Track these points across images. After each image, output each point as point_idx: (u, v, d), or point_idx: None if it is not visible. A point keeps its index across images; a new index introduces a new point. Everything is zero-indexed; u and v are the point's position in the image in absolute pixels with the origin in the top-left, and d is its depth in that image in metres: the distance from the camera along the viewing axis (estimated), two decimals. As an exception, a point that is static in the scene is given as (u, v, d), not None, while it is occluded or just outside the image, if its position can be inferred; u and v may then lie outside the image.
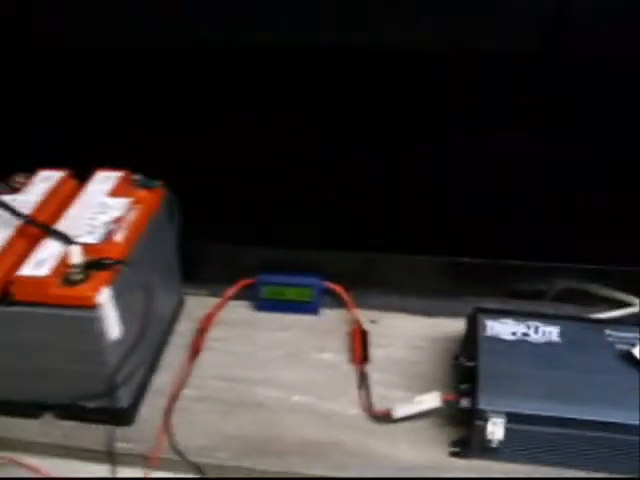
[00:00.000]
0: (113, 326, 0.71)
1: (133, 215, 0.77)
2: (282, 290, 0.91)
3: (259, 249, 0.93)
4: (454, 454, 0.74)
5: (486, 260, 0.89)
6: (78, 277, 0.69)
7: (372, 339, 0.87)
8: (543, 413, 0.69)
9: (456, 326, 0.84)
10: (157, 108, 0.87)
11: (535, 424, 0.69)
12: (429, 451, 0.75)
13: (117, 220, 0.75)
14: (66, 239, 0.72)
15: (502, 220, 0.88)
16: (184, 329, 0.90)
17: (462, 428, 0.75)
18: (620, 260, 0.84)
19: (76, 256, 0.69)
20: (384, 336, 0.88)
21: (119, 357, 0.73)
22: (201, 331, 0.88)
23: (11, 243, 0.73)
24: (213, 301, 0.93)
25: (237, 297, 0.94)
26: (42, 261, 0.70)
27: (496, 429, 0.69)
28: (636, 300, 0.84)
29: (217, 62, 0.83)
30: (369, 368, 0.84)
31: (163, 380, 0.83)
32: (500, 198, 0.88)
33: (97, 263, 0.70)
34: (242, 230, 0.92)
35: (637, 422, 0.68)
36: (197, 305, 0.93)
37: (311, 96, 0.83)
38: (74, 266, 0.69)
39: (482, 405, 0.69)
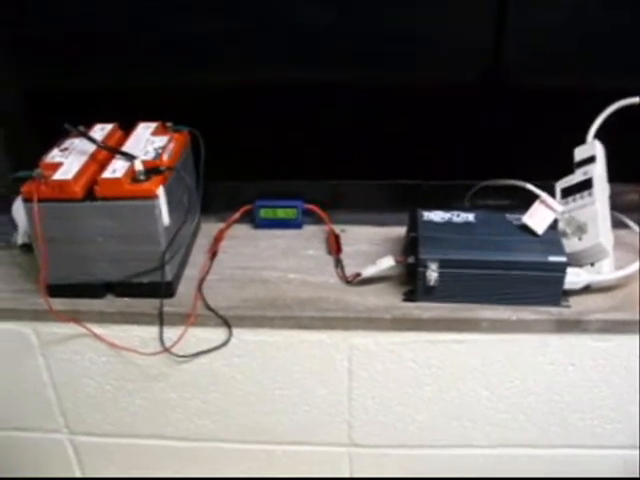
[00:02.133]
0: (165, 214, 1.01)
1: (172, 146, 1.09)
2: (274, 211, 1.23)
3: (255, 183, 1.25)
4: (405, 299, 1.06)
5: (420, 182, 1.23)
6: (142, 178, 1.00)
7: (342, 241, 1.18)
8: (465, 257, 1.01)
9: (403, 231, 1.16)
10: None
11: (460, 267, 1.01)
12: (388, 299, 1.06)
13: (162, 148, 1.07)
14: (130, 156, 1.03)
15: (429, 155, 1.23)
16: (202, 242, 1.20)
17: (411, 285, 1.06)
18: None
19: (139, 165, 1.00)
20: (351, 239, 1.19)
21: (168, 239, 1.03)
22: (216, 240, 1.19)
23: (89, 161, 1.04)
24: (222, 225, 1.24)
25: (240, 221, 1.25)
26: (115, 170, 1.01)
27: (432, 273, 1.01)
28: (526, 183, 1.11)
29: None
30: (342, 257, 1.15)
31: (191, 272, 1.13)
32: (428, 141, 1.23)
33: (154, 169, 1.01)
34: (242, 169, 1.24)
35: (532, 259, 1.00)
36: (210, 228, 1.23)
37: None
38: (138, 172, 1.00)
39: (422, 255, 1.01)
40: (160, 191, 0.99)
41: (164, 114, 1.15)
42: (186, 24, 1.17)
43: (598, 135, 1.11)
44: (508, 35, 1.14)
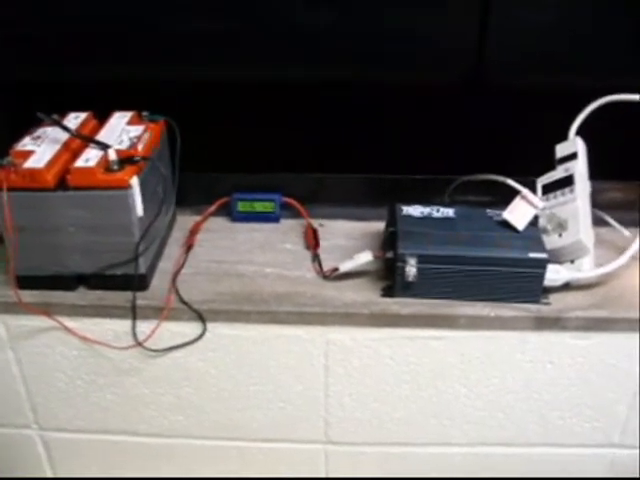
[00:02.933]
0: (139, 205, 0.99)
1: (147, 135, 1.06)
2: (252, 204, 1.21)
3: (232, 175, 1.23)
4: (383, 295, 1.04)
5: (400, 176, 1.21)
6: (116, 167, 0.97)
7: (320, 235, 1.17)
8: (444, 253, 0.99)
9: (382, 226, 1.14)
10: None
11: (439, 263, 1.00)
12: (366, 294, 1.04)
13: (137, 137, 1.04)
14: (104, 145, 1.00)
15: (410, 150, 1.21)
16: (178, 235, 1.18)
17: (389, 280, 1.05)
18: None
19: (113, 155, 0.98)
20: (329, 234, 1.18)
21: (142, 230, 1.01)
22: (192, 233, 1.17)
23: (62, 150, 1.01)
24: (198, 218, 1.22)
25: (216, 214, 1.23)
26: (88, 159, 0.98)
27: (411, 268, 1.00)
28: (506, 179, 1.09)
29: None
30: (319, 252, 1.13)
31: (166, 265, 1.11)
32: (409, 136, 1.21)
33: (128, 159, 0.99)
34: (219, 161, 1.21)
35: (512, 255, 0.99)
36: (185, 221, 1.21)
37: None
38: (112, 161, 0.97)
39: (400, 250, 0.99)
40: (134, 181, 0.97)
41: (140, 105, 1.12)
42: (168, 18, 1.15)
43: (580, 133, 1.09)
44: (490, 34, 1.13)
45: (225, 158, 1.21)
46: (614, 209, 1.14)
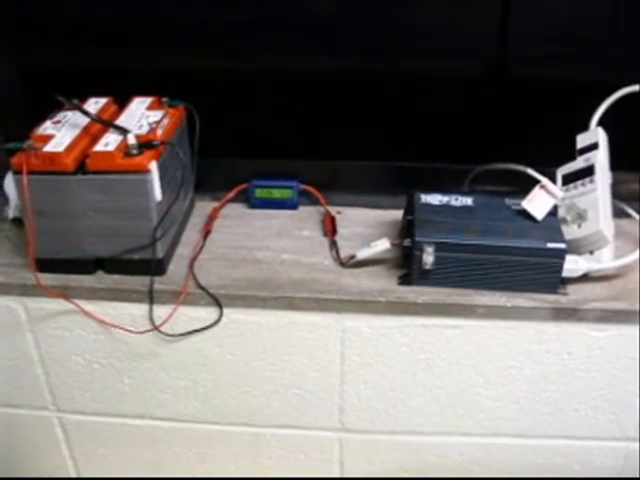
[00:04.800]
0: (157, 190, 0.99)
1: (166, 121, 1.07)
2: (270, 191, 1.21)
3: (251, 162, 1.23)
4: (400, 283, 1.04)
5: (420, 164, 1.21)
6: (135, 152, 0.97)
7: (338, 223, 1.16)
8: (462, 241, 0.99)
9: (400, 215, 1.14)
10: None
11: (457, 251, 0.99)
12: (382, 282, 1.04)
13: (156, 122, 1.05)
14: (123, 130, 1.01)
15: (429, 138, 1.21)
16: (196, 221, 1.19)
17: (406, 268, 1.04)
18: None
19: (132, 139, 0.98)
20: (347, 221, 1.18)
21: (160, 215, 1.01)
22: (210, 218, 1.17)
23: (82, 135, 1.01)
24: (216, 204, 1.22)
25: (234, 201, 1.23)
26: (108, 143, 0.98)
27: (428, 256, 0.99)
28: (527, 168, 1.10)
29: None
30: (337, 239, 1.13)
31: (184, 250, 1.11)
32: (428, 124, 1.20)
33: (148, 144, 0.99)
34: (237, 146, 1.21)
35: (531, 245, 0.98)
36: (204, 207, 1.22)
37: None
38: (131, 146, 0.98)
39: (418, 238, 0.99)
40: (153, 166, 0.97)
41: (161, 92, 1.12)
42: (187, 5, 1.16)
43: (601, 124, 1.08)
44: (511, 23, 1.12)
45: (244, 145, 1.21)
46: (635, 200, 1.12)
